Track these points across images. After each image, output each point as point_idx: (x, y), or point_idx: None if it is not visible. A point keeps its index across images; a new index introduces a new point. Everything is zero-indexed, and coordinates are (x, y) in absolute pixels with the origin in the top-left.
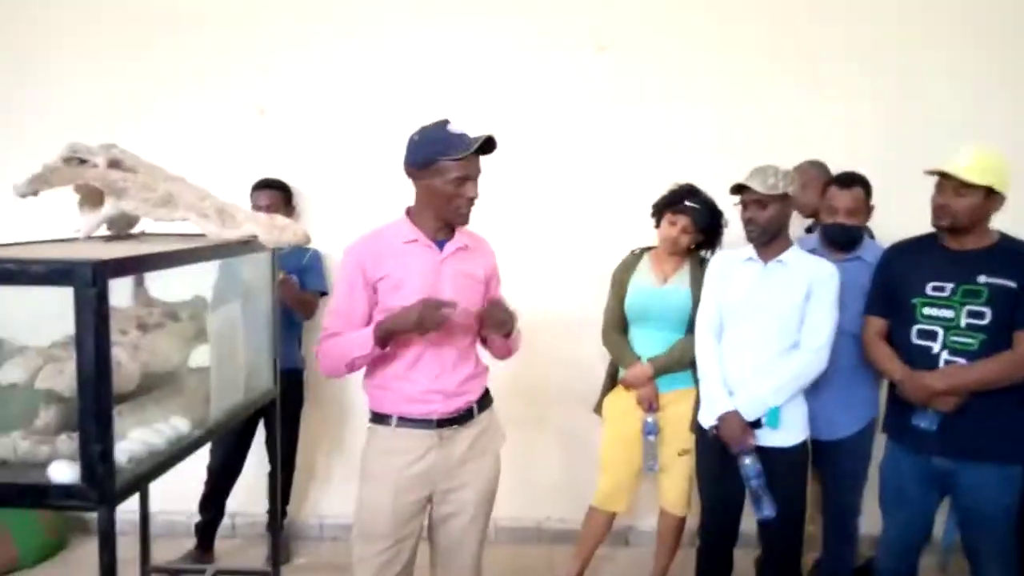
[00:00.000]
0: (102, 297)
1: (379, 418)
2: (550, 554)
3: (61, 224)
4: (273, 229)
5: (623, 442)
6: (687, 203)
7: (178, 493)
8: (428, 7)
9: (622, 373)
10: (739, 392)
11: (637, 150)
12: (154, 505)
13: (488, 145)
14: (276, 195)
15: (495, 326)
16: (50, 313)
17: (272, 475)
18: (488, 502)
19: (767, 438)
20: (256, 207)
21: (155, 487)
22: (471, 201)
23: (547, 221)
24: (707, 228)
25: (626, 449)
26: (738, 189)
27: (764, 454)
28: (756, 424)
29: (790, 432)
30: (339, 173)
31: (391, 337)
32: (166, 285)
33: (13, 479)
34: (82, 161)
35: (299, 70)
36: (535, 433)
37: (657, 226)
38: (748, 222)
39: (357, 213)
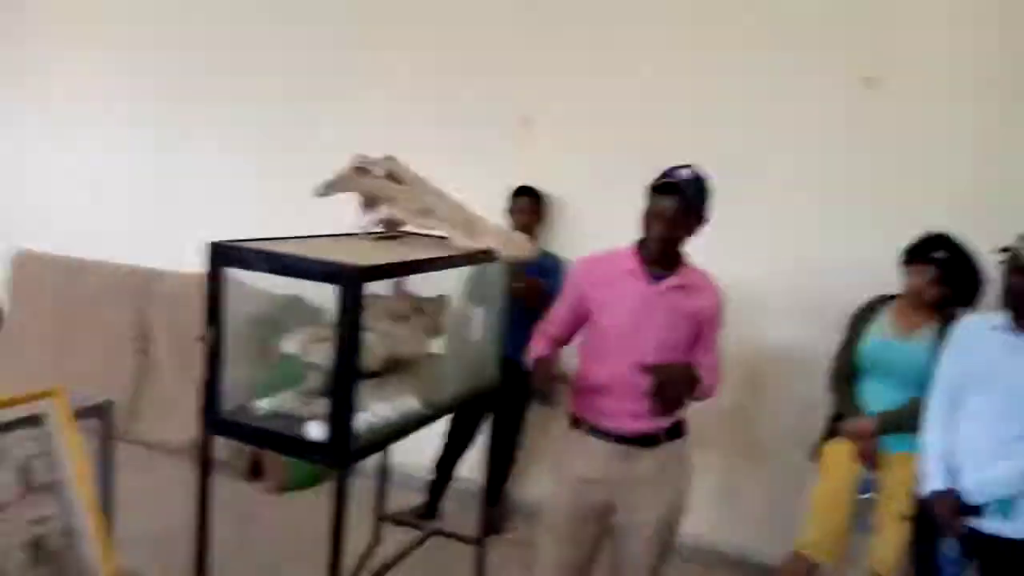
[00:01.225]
0: (358, 296)
1: (574, 422)
2: None
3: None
4: (508, 244)
5: (835, 494)
6: (937, 254)
7: (417, 450)
8: (685, 39)
9: (845, 422)
10: (967, 470)
11: (898, 193)
12: (396, 457)
13: (667, 187)
14: (529, 201)
15: (657, 400)
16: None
17: (491, 453)
18: (667, 531)
19: (994, 524)
20: (513, 210)
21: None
22: (656, 240)
23: (796, 256)
24: (960, 283)
25: (838, 501)
26: (1011, 255)
27: (986, 543)
28: (975, 510)
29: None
30: (593, 186)
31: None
32: (420, 280)
33: (280, 429)
34: (365, 171)
35: (563, 83)
36: (748, 462)
37: (906, 275)
38: (1018, 294)
39: (604, 226)
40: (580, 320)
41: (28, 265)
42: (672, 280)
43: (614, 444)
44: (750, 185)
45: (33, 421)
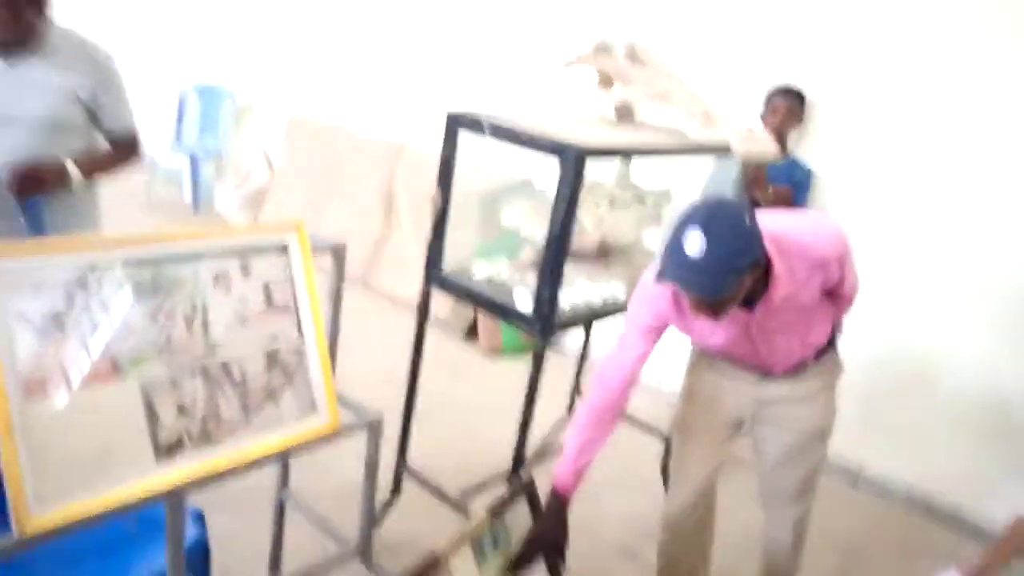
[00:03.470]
0: (579, 173)
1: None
2: (950, 542)
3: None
4: (746, 141)
5: None
6: None
7: None
8: None
9: None
10: None
11: None
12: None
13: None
14: (786, 101)
15: None
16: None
17: None
18: (815, 439)
19: None
20: (768, 111)
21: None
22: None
23: None
24: None
25: None
26: None
27: None
28: None
29: None
30: (860, 92)
31: None
32: (646, 171)
33: (492, 294)
34: (606, 50)
35: None
36: (976, 411)
37: None
38: None
39: (867, 138)
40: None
41: (299, 129)
42: (765, 305)
43: (752, 373)
44: None
45: (280, 249)
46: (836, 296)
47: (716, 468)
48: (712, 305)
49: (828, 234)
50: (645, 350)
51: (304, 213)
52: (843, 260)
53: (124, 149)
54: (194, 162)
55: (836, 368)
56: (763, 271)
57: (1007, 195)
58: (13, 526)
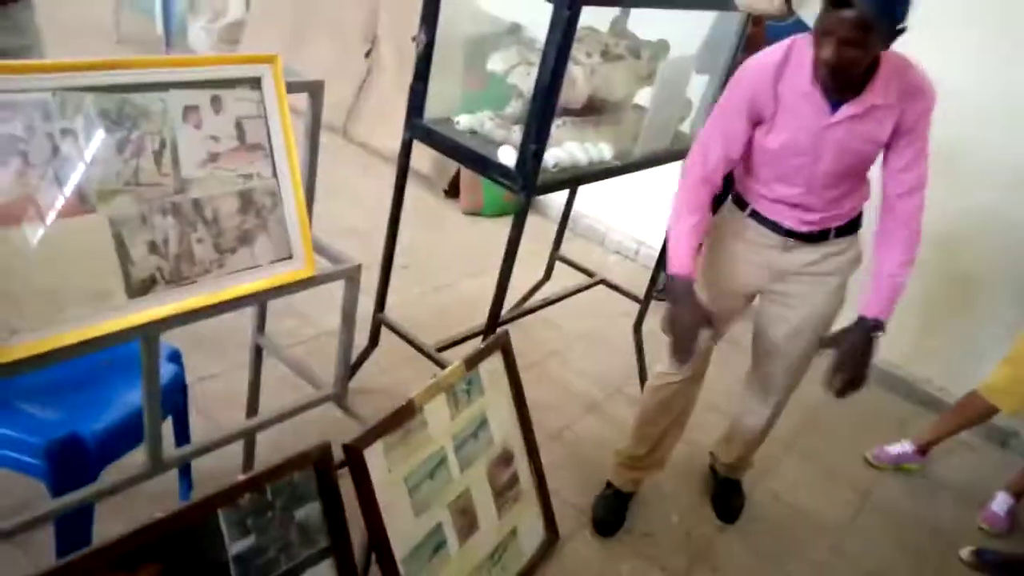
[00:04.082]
0: (572, 20)
1: (738, 201)
2: (911, 413)
3: None
4: None
5: None
6: None
7: (599, 202)
8: None
9: None
10: None
11: None
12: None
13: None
14: None
15: (842, 382)
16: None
17: None
18: (815, 328)
19: None
20: None
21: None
22: (824, 64)
23: None
24: None
25: None
26: None
27: None
28: None
29: None
30: None
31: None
32: (643, 24)
33: (475, 147)
34: None
35: None
36: (951, 295)
37: None
38: None
39: None
40: (740, 149)
41: None
42: (851, 108)
43: (776, 235)
44: None
45: (251, 82)
46: (895, 172)
47: (716, 336)
48: (859, 31)
49: (929, 80)
50: (738, 127)
51: (281, 50)
52: (926, 116)
53: None
54: None
55: (854, 257)
56: (873, 66)
57: None
58: None
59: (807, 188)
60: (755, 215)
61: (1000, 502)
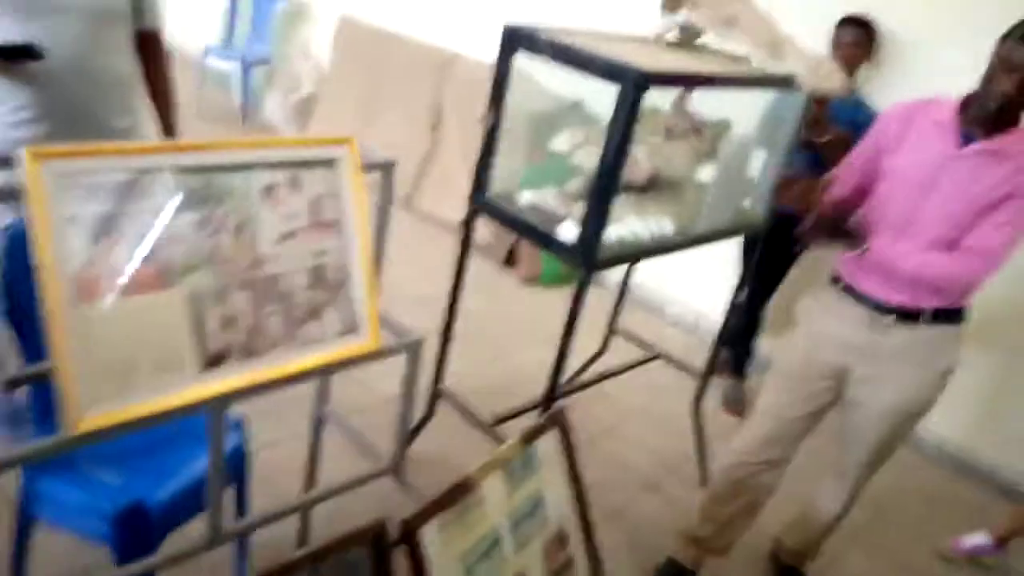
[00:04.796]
0: (637, 99)
1: (834, 279)
2: (988, 502)
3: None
4: (817, 74)
5: None
6: None
7: (661, 276)
8: None
9: None
10: None
11: None
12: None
13: None
14: (856, 33)
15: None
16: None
17: (741, 305)
18: (907, 416)
19: None
20: (837, 44)
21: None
22: (998, 98)
23: None
24: None
25: None
26: None
27: None
28: None
29: None
30: (940, 24)
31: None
32: (706, 100)
33: (536, 222)
34: None
35: None
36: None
37: None
38: None
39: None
40: (871, 179)
41: (348, 31)
42: (983, 143)
43: (869, 310)
44: None
45: (328, 163)
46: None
47: (801, 419)
48: None
49: None
50: (867, 149)
51: (352, 124)
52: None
53: (158, 47)
54: (246, 68)
55: (949, 351)
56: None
57: None
58: (63, 425)
59: (916, 222)
60: (848, 289)
61: None
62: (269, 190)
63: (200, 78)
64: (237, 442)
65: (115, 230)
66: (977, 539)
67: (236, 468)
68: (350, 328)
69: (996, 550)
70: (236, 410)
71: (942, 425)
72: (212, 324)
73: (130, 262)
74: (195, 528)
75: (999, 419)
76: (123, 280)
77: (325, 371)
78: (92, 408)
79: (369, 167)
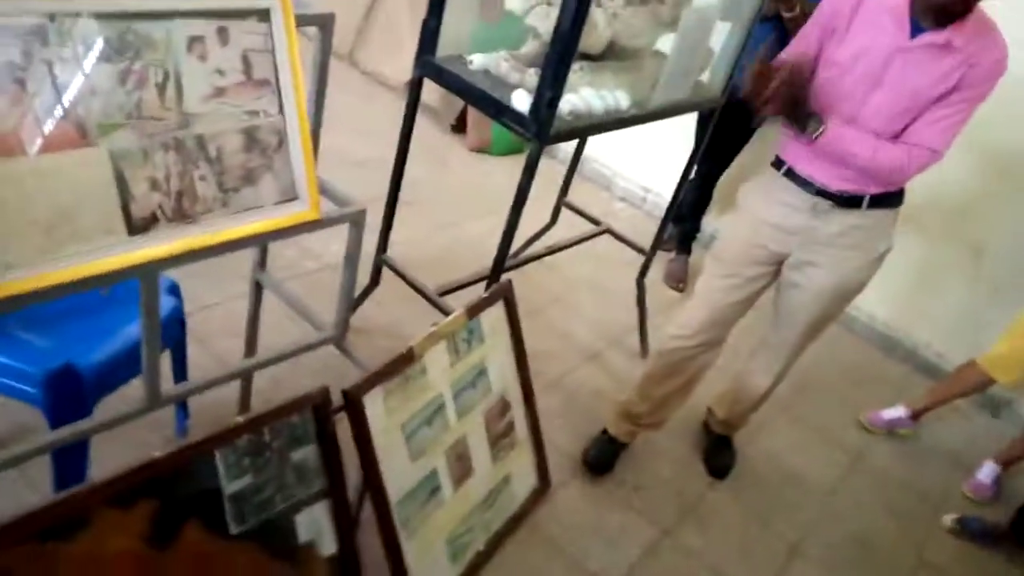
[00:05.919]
0: None
1: (776, 161)
2: (907, 377)
3: None
4: None
5: None
6: None
7: (611, 150)
8: None
9: None
10: None
11: None
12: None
13: None
14: None
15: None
16: None
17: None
18: (840, 298)
19: None
20: None
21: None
22: None
23: None
24: None
25: None
26: None
27: None
28: None
29: None
30: None
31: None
32: None
33: (487, 88)
34: None
35: None
36: (962, 261)
37: None
38: None
39: None
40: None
41: None
42: (934, 36)
43: (810, 195)
44: None
45: (259, 14)
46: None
47: (738, 303)
48: None
49: (1007, 51)
50: (812, 32)
51: None
52: (988, 81)
53: None
54: None
55: (886, 235)
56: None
57: None
58: None
59: (859, 111)
60: (790, 173)
61: (987, 471)
62: (194, 41)
63: None
64: (173, 306)
65: (26, 81)
66: (894, 412)
67: (172, 333)
68: (288, 195)
69: (910, 423)
70: (171, 273)
71: (873, 303)
72: (138, 187)
73: (44, 116)
74: (134, 391)
75: (923, 300)
76: (37, 136)
77: (262, 239)
78: (11, 273)
79: (305, 19)
